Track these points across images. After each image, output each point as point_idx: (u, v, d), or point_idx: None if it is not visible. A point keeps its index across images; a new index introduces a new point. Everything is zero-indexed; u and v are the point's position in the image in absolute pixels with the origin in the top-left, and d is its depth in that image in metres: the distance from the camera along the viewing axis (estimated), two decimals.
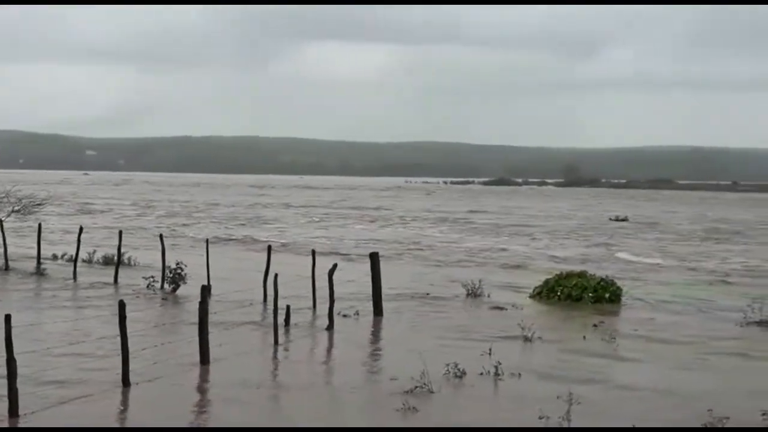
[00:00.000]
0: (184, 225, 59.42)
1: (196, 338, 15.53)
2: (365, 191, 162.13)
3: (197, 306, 15.61)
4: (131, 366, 13.80)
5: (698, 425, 11.68)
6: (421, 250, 43.10)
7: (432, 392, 13.63)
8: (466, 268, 34.12)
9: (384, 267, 22.54)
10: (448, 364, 14.94)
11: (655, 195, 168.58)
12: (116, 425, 12.25)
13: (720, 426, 11.40)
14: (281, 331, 18.01)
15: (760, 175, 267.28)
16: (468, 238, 52.92)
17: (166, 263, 24.94)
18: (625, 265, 36.93)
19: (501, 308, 22.97)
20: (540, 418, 11.87)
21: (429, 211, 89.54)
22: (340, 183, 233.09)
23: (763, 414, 11.46)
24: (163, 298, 23.35)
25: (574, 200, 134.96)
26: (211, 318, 16.76)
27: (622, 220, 75.96)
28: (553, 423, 11.75)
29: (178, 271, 24.28)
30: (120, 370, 13.73)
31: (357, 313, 21.19)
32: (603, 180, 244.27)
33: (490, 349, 16.43)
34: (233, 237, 48.84)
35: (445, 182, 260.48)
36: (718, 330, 20.64)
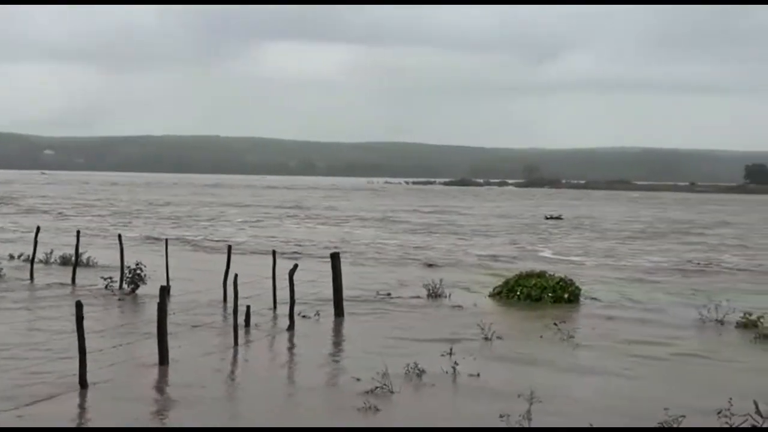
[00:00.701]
0: (120, 224, 58.01)
1: (155, 339, 15.41)
2: (320, 191, 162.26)
3: (156, 307, 15.48)
4: (89, 367, 13.64)
5: (654, 424, 11.80)
6: (341, 247, 42.78)
7: (392, 392, 13.65)
8: (383, 265, 34.72)
9: (315, 266, 22.42)
10: (408, 364, 14.98)
11: (612, 195, 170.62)
12: (73, 426, 12.10)
13: (675, 426, 11.53)
14: (241, 332, 17.93)
15: (716, 176, 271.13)
16: (399, 237, 53.30)
17: (125, 263, 24.73)
18: (544, 264, 37.38)
19: (461, 308, 23.06)
20: (500, 417, 11.93)
21: (372, 210, 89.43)
22: (301, 183, 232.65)
23: (719, 412, 11.59)
24: (121, 299, 23.13)
25: (525, 200, 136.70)
26: (170, 319, 16.64)
27: (557, 218, 76.83)
28: (513, 422, 11.81)
29: (138, 271, 24.06)
30: (77, 372, 13.58)
31: (318, 314, 21.15)
32: (563, 180, 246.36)
33: (450, 349, 16.50)
34: (163, 236, 48.11)
35: (407, 182, 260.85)
36: (676, 329, 20.89)
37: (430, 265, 35.14)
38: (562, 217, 79.05)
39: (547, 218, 77.51)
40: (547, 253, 43.39)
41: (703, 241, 54.29)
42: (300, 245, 43.77)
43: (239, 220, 68.37)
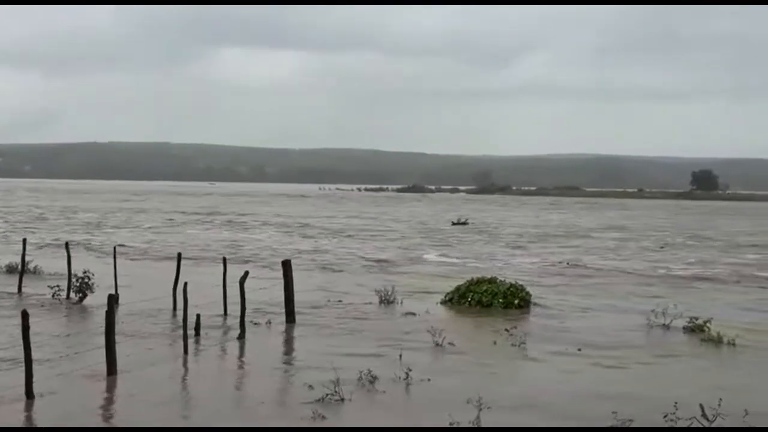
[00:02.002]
0: (25, 229, 57.26)
1: (103, 348, 15.20)
2: (253, 197, 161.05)
3: (104, 315, 15.28)
4: (35, 378, 13.43)
5: (604, 427, 11.94)
6: (230, 252, 42.62)
7: (343, 399, 13.64)
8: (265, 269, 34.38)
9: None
10: (360, 371, 14.98)
11: (556, 201, 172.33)
12: None
13: (624, 427, 11.69)
14: (191, 340, 17.78)
15: (665, 182, 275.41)
16: (295, 241, 53.98)
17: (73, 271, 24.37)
18: (424, 266, 38.92)
19: (413, 314, 23.10)
20: (450, 423, 11.98)
21: (285, 216, 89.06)
22: (246, 190, 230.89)
23: (665, 416, 11.77)
24: (68, 308, 22.78)
25: (447, 205, 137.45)
26: (119, 328, 16.46)
27: (462, 223, 77.64)
28: (463, 427, 11.86)
29: (86, 280, 23.72)
30: (23, 383, 13.35)
31: (269, 322, 21.05)
32: (513, 187, 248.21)
33: (400, 355, 16.54)
34: (62, 241, 47.52)
35: (360, 189, 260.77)
36: (625, 334, 21.13)
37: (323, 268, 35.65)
38: (469, 222, 79.86)
39: (454, 223, 78.04)
40: (431, 257, 44.14)
41: (581, 245, 55.52)
42: (196, 249, 44.08)
43: (146, 225, 68.07)
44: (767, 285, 33.98)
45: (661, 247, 54.05)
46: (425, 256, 44.23)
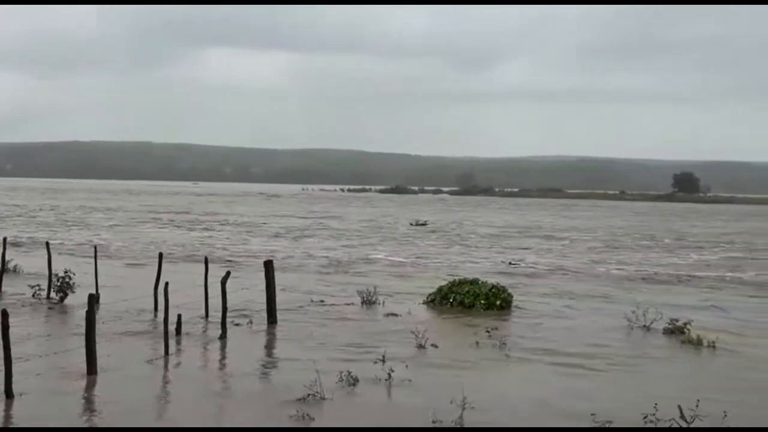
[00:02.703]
0: None
1: (83, 348, 15.14)
2: (231, 197, 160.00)
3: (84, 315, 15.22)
4: (15, 377, 13.37)
5: (584, 428, 12.00)
6: (179, 251, 42.98)
7: (324, 399, 13.64)
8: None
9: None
10: (341, 372, 14.99)
11: (534, 203, 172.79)
12: None
13: (603, 427, 11.75)
14: (172, 340, 17.73)
15: (648, 184, 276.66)
16: (250, 240, 54.48)
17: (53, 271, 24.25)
18: (370, 265, 39.41)
19: (396, 315, 23.12)
20: (433, 422, 12.01)
21: (251, 216, 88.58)
22: (227, 190, 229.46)
23: (645, 417, 11.84)
24: (49, 308, 22.67)
25: (413, 206, 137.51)
26: (100, 327, 16.42)
27: (422, 224, 77.90)
28: (445, 427, 11.90)
29: (66, 279, 23.60)
30: (2, 382, 13.28)
31: (251, 322, 21.02)
32: (496, 189, 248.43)
33: (383, 356, 16.55)
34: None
35: (343, 189, 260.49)
36: (605, 335, 21.23)
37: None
38: (428, 223, 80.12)
39: (413, 224, 78.25)
40: (379, 255, 44.49)
41: (533, 245, 56.47)
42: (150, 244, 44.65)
43: (108, 224, 67.98)
44: (698, 285, 34.66)
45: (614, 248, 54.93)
46: (372, 256, 44.50)
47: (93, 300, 15.40)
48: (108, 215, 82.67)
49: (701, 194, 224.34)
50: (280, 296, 22.25)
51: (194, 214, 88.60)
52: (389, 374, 15.08)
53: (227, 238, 55.29)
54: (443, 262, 42.43)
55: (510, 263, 41.76)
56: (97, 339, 15.37)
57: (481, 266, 40.10)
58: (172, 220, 76.33)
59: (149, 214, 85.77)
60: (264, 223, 74.59)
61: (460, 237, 63.60)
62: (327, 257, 42.56)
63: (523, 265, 41.15)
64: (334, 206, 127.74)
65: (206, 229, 64.96)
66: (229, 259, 39.38)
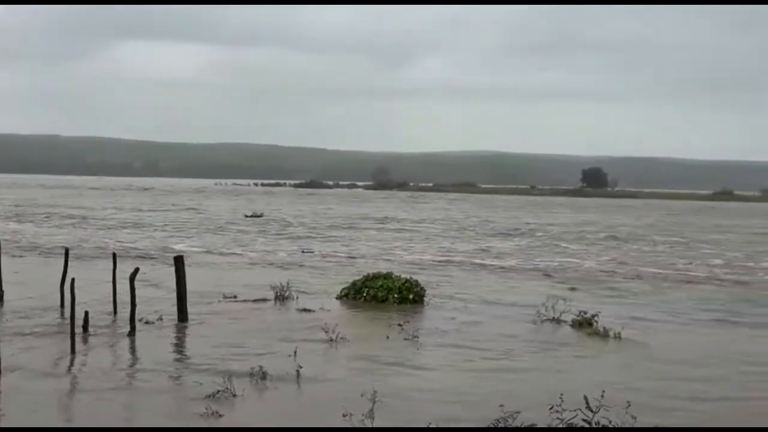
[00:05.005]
0: None
1: None
2: (77, 190, 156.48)
3: None
4: None
5: (491, 419, 12.15)
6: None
7: (235, 395, 13.53)
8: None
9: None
10: (252, 367, 14.89)
11: (434, 196, 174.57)
12: None
13: (509, 421, 11.92)
14: (79, 338, 17.34)
15: (560, 179, 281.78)
16: (73, 232, 54.08)
17: None
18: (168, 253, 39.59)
19: (309, 310, 23.05)
20: (344, 416, 12.03)
21: (102, 209, 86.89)
22: (131, 184, 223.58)
23: (551, 408, 12.05)
24: None
25: (274, 199, 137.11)
26: (3, 326, 15.93)
27: (258, 216, 78.31)
28: (356, 421, 11.93)
29: None
30: None
31: (161, 318, 20.70)
32: (411, 183, 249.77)
33: (295, 351, 16.51)
34: None
35: (257, 184, 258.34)
36: (515, 327, 21.59)
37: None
38: (263, 215, 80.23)
39: (247, 216, 78.19)
40: (182, 246, 44.57)
41: (348, 235, 57.90)
42: None
43: None
44: (495, 272, 36.00)
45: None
46: (176, 246, 44.74)
47: None
48: None
49: (609, 189, 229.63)
50: (199, 288, 21.99)
51: (45, 208, 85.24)
52: (298, 370, 15.08)
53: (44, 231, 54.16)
54: (242, 250, 43.59)
55: (303, 251, 43.49)
56: (0, 337, 14.93)
57: (274, 254, 41.47)
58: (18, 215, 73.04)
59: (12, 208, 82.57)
60: (102, 216, 73.05)
61: (286, 228, 63.92)
62: (132, 247, 42.81)
63: (316, 253, 42.67)
64: (199, 199, 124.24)
65: (40, 222, 63.60)
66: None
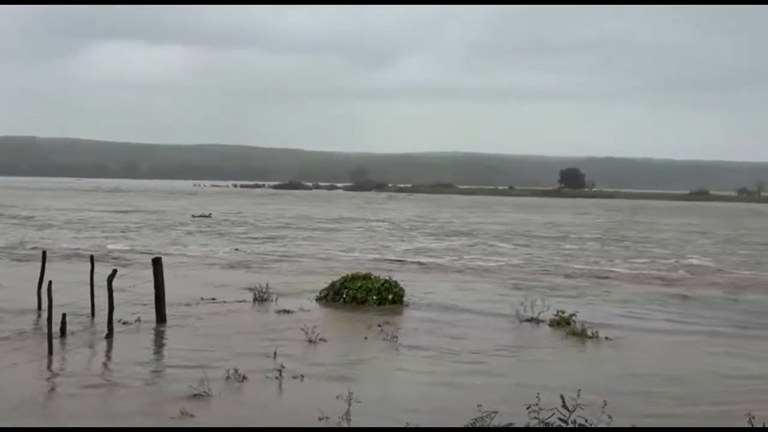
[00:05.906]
0: None
1: None
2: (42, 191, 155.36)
3: None
4: None
5: (470, 419, 12.21)
6: None
7: (211, 397, 13.52)
8: None
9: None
10: (229, 369, 14.88)
11: (411, 197, 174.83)
12: None
13: (487, 420, 11.97)
14: (56, 341, 17.25)
15: (537, 180, 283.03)
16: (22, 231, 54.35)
17: None
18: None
19: (288, 312, 23.03)
20: (320, 418, 12.05)
21: (60, 210, 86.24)
22: (101, 185, 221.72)
23: (528, 407, 12.12)
24: None
25: (241, 199, 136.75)
26: None
27: (206, 216, 78.26)
28: (332, 423, 11.96)
29: None
30: None
31: (139, 320, 20.63)
32: (390, 184, 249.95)
33: (274, 353, 16.50)
34: None
35: (236, 185, 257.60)
36: (494, 327, 21.68)
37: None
38: (212, 215, 80.00)
39: (195, 217, 78.03)
40: (116, 246, 44.97)
41: (289, 234, 58.42)
42: None
43: None
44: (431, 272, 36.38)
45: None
46: (110, 246, 45.10)
47: None
48: None
49: (586, 189, 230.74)
50: (179, 292, 21.89)
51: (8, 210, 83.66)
52: (279, 370, 15.07)
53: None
54: (177, 249, 44.10)
55: (236, 250, 44.55)
56: None
57: (208, 253, 42.27)
58: None
59: None
60: (33, 216, 72.49)
61: (230, 228, 63.92)
62: (68, 247, 43.04)
63: (246, 251, 43.85)
64: (155, 200, 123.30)
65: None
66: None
